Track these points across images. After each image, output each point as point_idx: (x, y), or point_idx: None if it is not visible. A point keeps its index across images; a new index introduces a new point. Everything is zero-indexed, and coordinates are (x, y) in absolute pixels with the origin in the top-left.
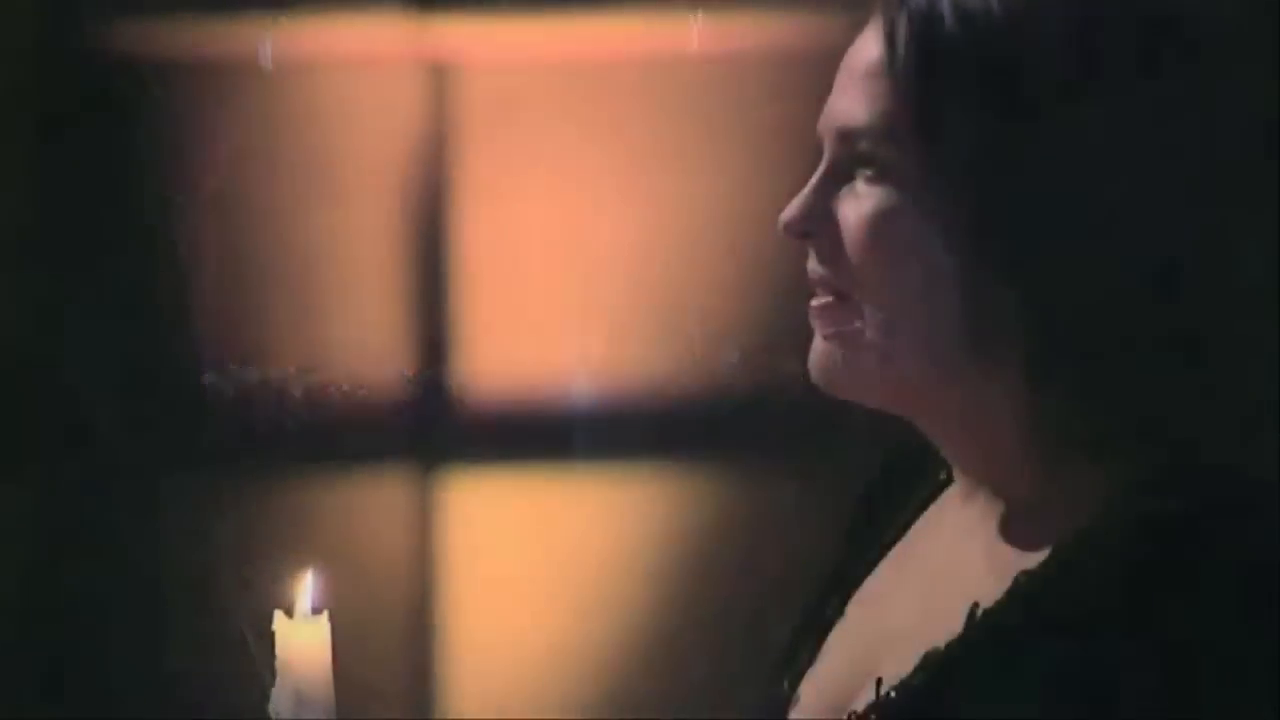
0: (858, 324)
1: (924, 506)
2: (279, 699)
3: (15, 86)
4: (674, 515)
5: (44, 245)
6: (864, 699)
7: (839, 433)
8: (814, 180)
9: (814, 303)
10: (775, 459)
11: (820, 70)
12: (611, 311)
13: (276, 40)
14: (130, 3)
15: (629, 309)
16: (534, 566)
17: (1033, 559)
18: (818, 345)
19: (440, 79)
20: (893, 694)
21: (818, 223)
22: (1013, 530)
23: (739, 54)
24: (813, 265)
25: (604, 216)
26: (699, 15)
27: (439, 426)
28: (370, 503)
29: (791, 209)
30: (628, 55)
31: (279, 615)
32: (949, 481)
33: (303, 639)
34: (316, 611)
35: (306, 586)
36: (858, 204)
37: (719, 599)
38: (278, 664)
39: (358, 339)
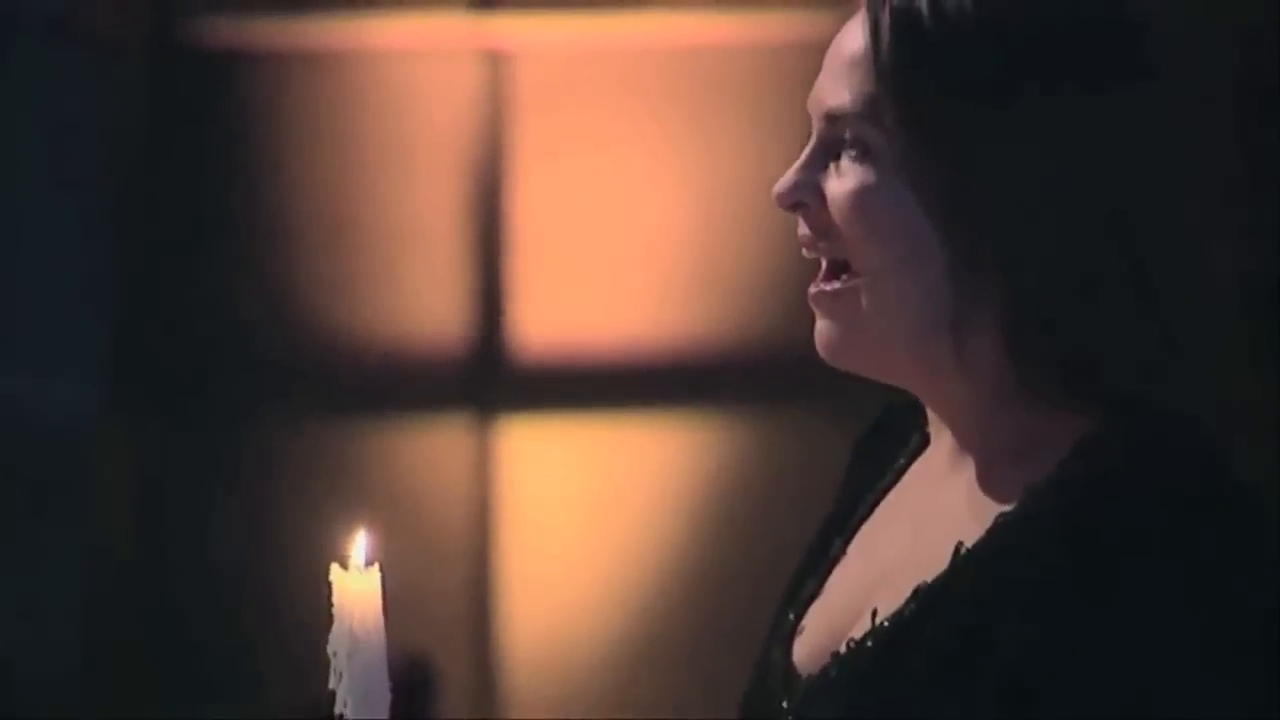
0: (852, 305)
1: (916, 456)
2: (336, 638)
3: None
4: (716, 461)
5: (154, 216)
6: (862, 628)
7: (859, 387)
8: (803, 156)
9: (812, 289)
10: (810, 409)
11: None
12: (653, 273)
13: (352, 34)
14: (226, 1)
15: (670, 271)
16: (584, 508)
17: (1010, 503)
18: (820, 325)
19: (497, 68)
20: (886, 623)
21: (806, 194)
22: (993, 477)
23: (771, 46)
24: (802, 230)
25: (644, 190)
26: (734, 10)
27: (495, 378)
28: (431, 448)
29: (782, 182)
30: (669, 46)
31: (335, 568)
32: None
33: (357, 588)
34: (369, 565)
35: (360, 542)
36: (842, 181)
37: (758, 539)
38: (335, 609)
39: (423, 301)
